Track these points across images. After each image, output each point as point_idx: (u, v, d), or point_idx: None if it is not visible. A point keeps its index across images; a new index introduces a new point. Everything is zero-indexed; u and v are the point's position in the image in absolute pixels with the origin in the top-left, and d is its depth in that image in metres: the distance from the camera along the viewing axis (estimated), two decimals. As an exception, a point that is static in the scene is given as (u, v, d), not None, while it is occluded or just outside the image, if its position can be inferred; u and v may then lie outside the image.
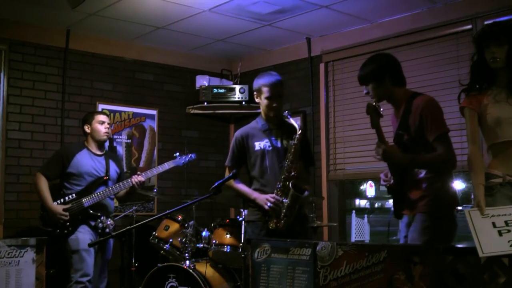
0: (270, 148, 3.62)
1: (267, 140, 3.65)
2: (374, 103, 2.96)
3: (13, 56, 5.12)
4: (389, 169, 3.10)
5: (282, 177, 3.51)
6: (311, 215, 4.75)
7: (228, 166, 3.79)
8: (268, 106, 3.63)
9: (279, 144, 3.63)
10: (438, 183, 2.97)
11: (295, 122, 3.57)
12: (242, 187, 3.70)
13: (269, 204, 3.49)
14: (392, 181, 3.08)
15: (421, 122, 2.94)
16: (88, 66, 5.57)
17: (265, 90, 3.60)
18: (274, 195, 3.51)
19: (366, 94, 3.16)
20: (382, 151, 2.96)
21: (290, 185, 3.46)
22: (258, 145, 3.65)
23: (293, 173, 3.49)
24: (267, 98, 3.61)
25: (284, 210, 3.47)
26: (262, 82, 3.63)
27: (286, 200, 3.48)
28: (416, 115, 2.96)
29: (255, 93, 3.69)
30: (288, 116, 3.59)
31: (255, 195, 3.60)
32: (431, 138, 2.91)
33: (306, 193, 3.52)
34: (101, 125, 4.45)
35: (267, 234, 3.50)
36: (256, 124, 3.75)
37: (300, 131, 3.54)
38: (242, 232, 4.07)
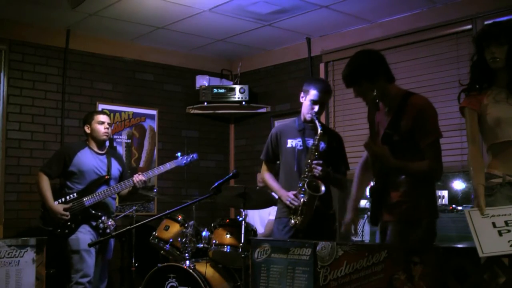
0: (302, 147, 3.74)
1: (300, 139, 3.77)
2: (374, 95, 2.89)
3: (13, 56, 5.12)
4: (372, 170, 3.03)
5: (303, 176, 3.61)
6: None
7: (263, 159, 3.95)
8: (308, 108, 3.74)
9: (310, 145, 3.72)
10: (419, 189, 2.90)
11: (319, 124, 3.67)
12: (273, 182, 3.84)
13: (289, 200, 3.61)
14: (374, 182, 3.01)
15: (414, 125, 2.86)
16: (88, 66, 5.57)
17: (313, 93, 3.71)
18: (295, 192, 3.62)
19: (356, 96, 3.01)
20: (372, 152, 2.92)
21: (306, 184, 3.55)
22: (291, 142, 3.78)
23: (311, 173, 3.57)
24: (311, 100, 3.72)
25: (301, 208, 3.56)
26: (313, 85, 3.76)
27: (303, 199, 3.57)
28: (410, 116, 2.87)
29: (302, 92, 3.80)
30: (314, 118, 3.69)
31: (281, 192, 3.73)
32: (424, 143, 2.85)
33: (322, 191, 3.56)
34: (100, 125, 4.45)
35: (290, 230, 3.63)
36: (293, 122, 3.89)
37: (320, 132, 3.63)
38: (242, 232, 4.07)
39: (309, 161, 3.60)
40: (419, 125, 2.86)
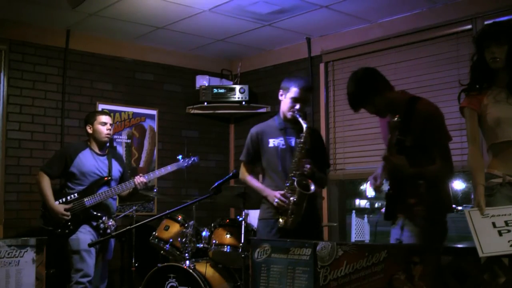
0: (284, 146, 3.67)
1: (281, 138, 3.69)
2: (397, 119, 2.88)
3: (13, 56, 5.11)
4: (387, 174, 3.03)
5: (290, 175, 3.55)
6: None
7: (243, 160, 3.85)
8: (290, 107, 3.67)
9: (293, 143, 3.67)
10: (434, 188, 2.94)
11: (303, 122, 3.60)
12: (255, 183, 3.76)
13: (276, 200, 3.53)
14: (388, 187, 3.01)
15: (424, 129, 2.88)
16: (88, 66, 5.57)
17: (293, 90, 3.65)
18: (282, 192, 3.54)
19: (372, 114, 3.03)
20: (391, 164, 2.90)
21: (295, 183, 3.48)
22: (272, 142, 3.71)
23: (299, 171, 3.51)
24: (292, 98, 3.65)
25: (291, 208, 3.49)
26: (293, 83, 3.69)
27: (293, 198, 3.50)
28: (419, 121, 2.89)
29: (281, 90, 3.73)
30: (297, 116, 3.62)
31: (267, 192, 3.64)
32: (434, 146, 2.89)
33: (312, 189, 3.51)
34: (103, 126, 4.44)
35: (278, 232, 3.54)
36: (273, 122, 3.81)
37: (305, 130, 3.56)
38: (242, 232, 4.07)
39: (296, 159, 3.54)
40: (428, 131, 2.88)
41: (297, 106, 3.64)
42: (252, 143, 3.78)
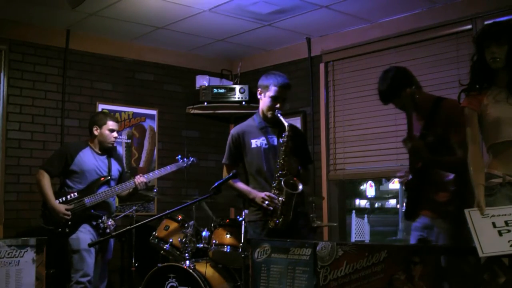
0: (267, 146, 3.63)
1: (263, 137, 3.65)
2: (412, 90, 3.07)
3: (13, 56, 5.11)
4: (409, 165, 3.13)
5: (276, 175, 3.52)
6: (312, 215, 4.76)
7: (225, 163, 3.79)
8: (270, 106, 3.63)
9: (275, 142, 3.63)
10: (466, 187, 2.93)
11: (284, 120, 3.58)
12: (241, 186, 3.70)
13: (266, 202, 3.49)
14: (410, 176, 3.11)
15: (448, 124, 3.02)
16: (88, 66, 5.57)
17: (272, 89, 3.61)
18: (269, 193, 3.51)
19: (410, 90, 3.12)
20: (409, 146, 3.05)
21: (282, 182, 3.46)
22: (255, 142, 3.66)
23: (285, 171, 3.49)
24: (272, 97, 3.61)
25: (280, 208, 3.47)
26: (272, 81, 3.64)
27: (281, 198, 3.48)
28: (443, 117, 3.05)
29: (259, 89, 3.70)
30: (278, 114, 3.59)
31: (253, 194, 3.60)
32: (456, 138, 2.98)
33: (300, 188, 3.49)
34: (110, 133, 4.44)
35: (268, 233, 3.50)
36: (253, 121, 3.76)
37: (288, 128, 3.54)
38: (242, 232, 4.07)
39: (281, 159, 3.51)
40: (452, 124, 3.00)
41: (278, 105, 3.60)
42: (234, 144, 3.71)
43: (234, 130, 3.77)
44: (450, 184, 3.04)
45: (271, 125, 3.68)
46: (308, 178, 3.82)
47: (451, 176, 3.06)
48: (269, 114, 3.65)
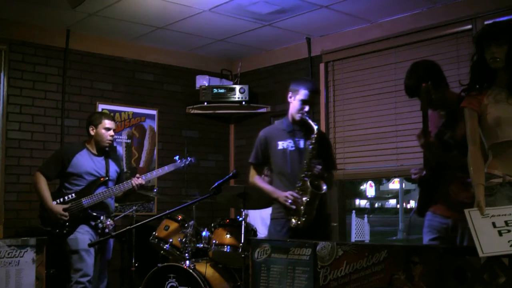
0: (293, 148, 3.72)
1: (290, 140, 3.74)
2: (429, 85, 3.03)
3: (13, 56, 5.11)
4: (423, 161, 3.12)
5: (302, 175, 3.59)
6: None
7: (252, 163, 3.88)
8: (299, 109, 3.72)
9: (301, 145, 3.72)
10: None
11: (313, 123, 3.67)
12: (265, 185, 3.80)
13: (289, 201, 3.56)
14: (424, 172, 3.09)
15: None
16: (88, 66, 5.57)
17: (302, 92, 3.70)
18: (293, 192, 3.58)
19: (427, 86, 3.09)
20: (423, 142, 3.03)
21: (308, 182, 3.53)
22: (281, 144, 3.75)
23: (311, 172, 3.56)
24: (302, 100, 3.70)
25: (303, 208, 3.53)
26: (302, 85, 3.75)
27: (305, 198, 3.54)
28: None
29: (290, 92, 3.78)
30: (307, 117, 3.68)
31: (277, 193, 3.67)
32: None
33: (324, 189, 3.57)
34: (106, 132, 4.42)
35: (289, 231, 3.58)
36: (281, 124, 3.87)
37: (316, 131, 3.62)
38: (242, 232, 4.07)
39: (308, 160, 3.59)
40: None
41: (306, 108, 3.70)
42: (261, 146, 3.83)
43: (262, 132, 3.90)
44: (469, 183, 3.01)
45: (299, 128, 3.77)
46: (331, 181, 3.88)
47: None
48: (297, 117, 3.74)
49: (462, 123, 2.96)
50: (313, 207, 3.55)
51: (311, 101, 3.72)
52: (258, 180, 3.82)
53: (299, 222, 3.54)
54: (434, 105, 3.15)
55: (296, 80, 3.87)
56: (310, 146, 3.61)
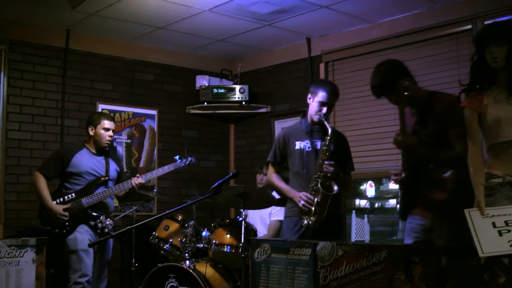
0: (310, 149, 3.76)
1: (308, 141, 3.79)
2: (405, 83, 2.98)
3: (13, 56, 5.11)
4: (402, 163, 3.09)
5: (315, 176, 3.64)
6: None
7: (270, 161, 3.94)
8: (317, 110, 3.75)
9: (318, 146, 3.75)
10: (465, 184, 2.85)
11: (328, 125, 3.71)
12: (281, 184, 3.84)
13: (302, 202, 3.61)
14: (403, 174, 3.05)
15: (443, 118, 2.97)
16: (88, 66, 5.57)
17: (321, 94, 3.74)
18: (306, 193, 3.63)
19: (403, 83, 3.04)
20: (401, 144, 3.00)
21: (319, 184, 3.58)
22: (299, 144, 3.80)
23: (323, 173, 3.60)
24: (320, 102, 3.74)
25: (314, 208, 3.57)
26: (321, 87, 3.79)
27: (317, 199, 3.59)
28: (439, 111, 2.99)
29: (310, 94, 3.82)
30: (323, 119, 3.72)
31: (292, 193, 3.73)
32: (455, 132, 2.93)
33: (335, 190, 3.60)
34: (105, 132, 4.42)
35: (301, 230, 3.64)
36: (300, 125, 3.92)
37: (330, 132, 3.67)
38: (242, 232, 4.07)
39: (321, 161, 3.63)
40: (448, 117, 2.95)
41: (324, 110, 3.73)
42: (279, 145, 3.89)
43: (281, 132, 3.97)
44: (448, 182, 2.97)
45: (317, 129, 3.81)
46: (347, 182, 3.91)
47: (448, 173, 2.98)
48: (315, 118, 3.78)
49: (432, 119, 2.98)
50: (324, 207, 3.59)
51: (329, 103, 3.76)
52: (275, 179, 3.87)
53: (310, 222, 3.58)
54: (403, 103, 3.09)
55: (316, 82, 3.95)
56: (324, 147, 3.66)
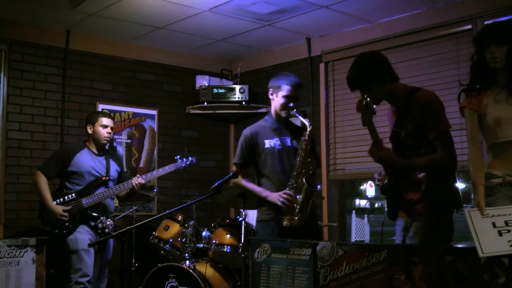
0: (281, 146, 3.60)
1: (277, 138, 3.62)
2: (366, 100, 2.87)
3: (13, 56, 5.12)
4: (383, 169, 2.99)
5: (295, 173, 3.48)
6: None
7: (237, 163, 3.72)
8: (284, 105, 3.60)
9: (288, 143, 3.62)
10: (439, 184, 2.85)
11: (305, 119, 3.54)
12: (252, 186, 3.67)
13: (281, 200, 3.44)
14: (386, 180, 2.96)
15: (422, 118, 2.82)
16: (88, 66, 5.57)
17: (285, 88, 3.58)
18: (286, 190, 3.47)
19: (363, 100, 2.93)
20: (376, 158, 2.89)
21: (304, 179, 3.42)
22: (268, 143, 3.62)
23: (305, 170, 3.46)
24: (285, 96, 3.58)
25: (298, 206, 3.44)
26: (284, 80, 3.61)
27: (299, 196, 3.44)
28: (418, 110, 2.83)
29: (270, 89, 3.66)
30: (297, 114, 3.56)
31: (266, 193, 3.55)
32: (432, 134, 2.80)
33: (318, 187, 3.51)
34: (103, 129, 4.42)
35: (280, 233, 3.45)
36: (265, 122, 3.73)
37: (310, 127, 3.51)
38: (242, 232, 4.07)
39: (302, 157, 3.46)
40: (426, 117, 2.81)
41: (291, 104, 3.58)
42: (247, 144, 3.66)
43: (246, 131, 3.71)
44: (422, 182, 2.86)
45: (284, 125, 3.68)
46: (319, 178, 3.81)
47: (422, 174, 2.87)
48: (283, 114, 3.62)
49: (410, 120, 2.85)
50: (307, 204, 3.44)
51: (295, 96, 3.60)
52: (244, 182, 3.66)
53: (292, 222, 3.42)
54: (379, 100, 2.98)
55: (276, 76, 3.71)
56: (304, 143, 3.48)
